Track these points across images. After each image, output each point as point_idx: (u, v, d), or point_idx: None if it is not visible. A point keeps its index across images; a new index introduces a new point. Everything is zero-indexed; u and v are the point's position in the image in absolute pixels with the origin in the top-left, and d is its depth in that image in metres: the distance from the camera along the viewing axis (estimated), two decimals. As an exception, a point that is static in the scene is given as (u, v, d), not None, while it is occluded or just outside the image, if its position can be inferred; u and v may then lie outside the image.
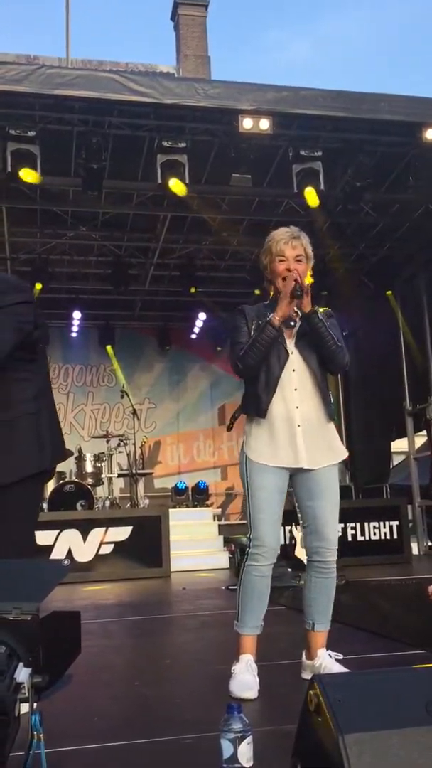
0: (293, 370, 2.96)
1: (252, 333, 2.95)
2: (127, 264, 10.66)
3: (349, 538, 8.91)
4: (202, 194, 8.71)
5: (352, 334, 13.09)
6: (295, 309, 2.99)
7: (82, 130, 7.42)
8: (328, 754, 1.60)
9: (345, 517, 8.92)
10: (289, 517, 3.07)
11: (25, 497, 2.73)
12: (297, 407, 2.93)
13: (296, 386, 2.95)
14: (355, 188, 7.98)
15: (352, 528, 8.98)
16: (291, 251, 2.98)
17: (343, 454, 3.09)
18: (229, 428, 3.32)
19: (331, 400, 3.08)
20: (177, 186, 7.37)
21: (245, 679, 2.79)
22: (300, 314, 3.00)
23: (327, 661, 2.91)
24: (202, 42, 19.28)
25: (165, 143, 7.30)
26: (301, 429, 2.92)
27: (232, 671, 2.85)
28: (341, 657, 2.94)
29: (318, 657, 2.93)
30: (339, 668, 2.86)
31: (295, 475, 2.97)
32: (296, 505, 3.05)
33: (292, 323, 2.98)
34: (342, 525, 8.86)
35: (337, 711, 1.62)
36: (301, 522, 3.03)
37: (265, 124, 7.15)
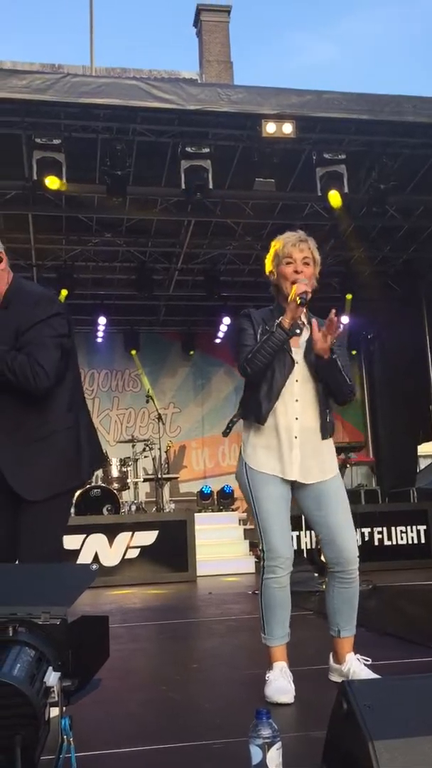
0: (296, 380, 2.92)
1: (258, 337, 2.91)
2: (151, 269, 10.71)
3: (376, 543, 8.84)
4: (226, 199, 8.73)
5: (377, 337, 13.03)
6: (303, 319, 2.95)
7: (106, 138, 7.47)
8: (357, 760, 1.60)
9: (371, 521, 8.87)
10: (300, 522, 3.05)
11: (58, 509, 2.75)
12: (296, 418, 2.91)
13: (297, 397, 2.92)
14: (379, 191, 7.94)
15: (378, 532, 8.91)
16: (299, 254, 2.96)
17: (334, 472, 3.00)
18: (225, 434, 3.19)
19: (329, 416, 3.00)
20: (198, 191, 7.40)
21: (281, 684, 2.79)
22: (306, 324, 2.96)
23: (355, 665, 2.90)
24: (224, 47, 19.33)
25: (188, 149, 7.33)
26: (298, 441, 2.90)
27: (267, 678, 2.85)
28: (369, 661, 2.93)
29: (346, 661, 2.92)
30: (367, 672, 2.85)
31: (297, 487, 2.95)
32: (304, 517, 3.02)
33: (298, 331, 2.91)
34: (368, 529, 8.80)
35: (366, 717, 1.62)
36: (316, 533, 3.01)
37: (288, 128, 7.15)
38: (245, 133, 7.57)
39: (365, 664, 2.91)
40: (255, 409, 2.93)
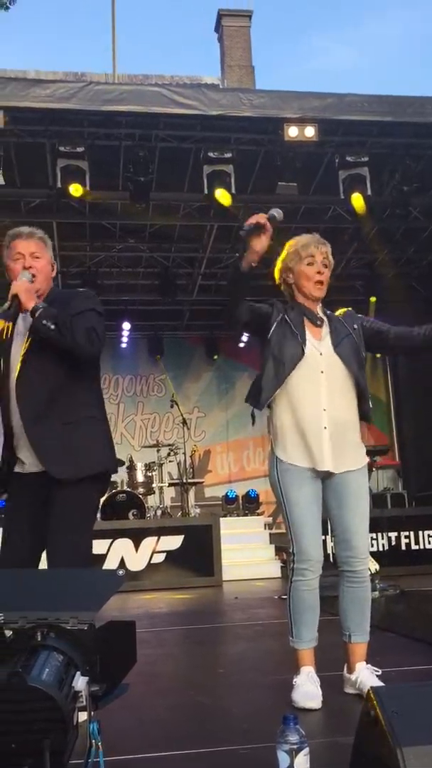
0: (321, 372, 2.91)
1: (272, 322, 2.96)
2: (174, 274, 10.75)
3: (403, 547, 8.76)
4: (249, 203, 8.73)
5: (402, 340, 12.93)
6: (319, 313, 3.01)
7: (129, 144, 7.54)
8: (385, 767, 1.59)
9: (398, 525, 8.80)
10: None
11: (87, 495, 2.80)
12: (324, 409, 2.89)
13: (324, 388, 2.91)
14: (402, 193, 7.91)
15: (405, 537, 8.83)
16: (320, 255, 2.99)
17: (365, 460, 3.01)
18: (253, 423, 3.17)
19: (370, 404, 3.02)
20: (223, 196, 7.42)
21: (308, 689, 2.77)
22: (324, 318, 3.01)
23: (365, 676, 2.83)
24: (246, 52, 19.38)
25: (211, 154, 7.37)
26: (327, 431, 2.88)
27: (294, 683, 2.83)
28: (380, 672, 2.87)
29: (356, 671, 2.87)
30: (377, 683, 2.79)
31: (324, 480, 2.94)
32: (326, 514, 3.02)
33: (318, 322, 2.97)
34: (395, 533, 8.73)
35: (394, 723, 1.61)
36: (330, 530, 3.00)
37: (310, 131, 7.16)
38: (267, 138, 7.59)
39: (375, 674, 2.84)
40: (255, 394, 2.96)
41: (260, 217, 2.81)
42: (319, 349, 2.94)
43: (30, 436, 2.70)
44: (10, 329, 2.80)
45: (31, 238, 2.86)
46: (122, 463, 9.61)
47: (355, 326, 3.02)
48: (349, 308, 3.15)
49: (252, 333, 3.20)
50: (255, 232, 2.79)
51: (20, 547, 2.71)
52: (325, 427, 2.88)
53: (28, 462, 2.76)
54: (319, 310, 3.04)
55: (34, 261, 2.82)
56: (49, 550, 2.67)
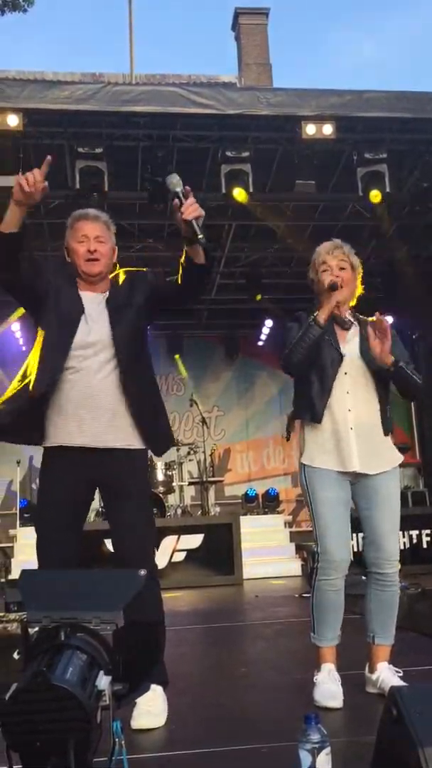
0: (345, 373, 2.94)
1: None
2: (193, 274, 10.75)
3: (425, 546, 8.72)
4: (267, 202, 8.72)
5: (422, 337, 12.86)
6: (348, 316, 3.05)
7: (147, 145, 7.55)
8: (407, 766, 1.59)
9: (420, 523, 8.75)
10: (359, 524, 3.03)
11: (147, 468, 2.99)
12: (349, 410, 2.91)
13: (348, 389, 2.93)
14: (422, 189, 7.86)
15: (427, 535, 8.78)
16: (333, 260, 3.02)
17: (399, 459, 3.02)
18: (288, 438, 3.32)
19: (389, 412, 3.02)
20: (240, 194, 7.43)
21: (330, 688, 2.77)
22: (354, 322, 3.04)
23: (386, 675, 2.83)
24: (263, 50, 19.31)
25: (228, 153, 7.36)
26: (354, 432, 2.90)
27: (315, 681, 2.84)
28: (401, 673, 2.87)
29: (378, 671, 2.87)
30: (398, 683, 2.78)
31: (355, 482, 2.95)
32: (356, 514, 3.02)
33: (346, 326, 3.02)
34: (416, 532, 8.69)
35: (417, 723, 1.61)
36: (363, 531, 3.00)
37: (328, 129, 7.13)
38: (285, 136, 7.57)
39: (397, 675, 2.84)
40: (309, 408, 2.96)
41: (336, 279, 2.94)
42: (343, 351, 2.97)
43: (133, 414, 2.74)
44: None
45: (97, 221, 2.89)
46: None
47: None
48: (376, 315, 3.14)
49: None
50: (336, 287, 2.92)
51: (60, 524, 2.71)
52: (352, 428, 2.90)
53: (82, 436, 2.72)
54: (348, 314, 3.07)
55: (98, 245, 2.85)
56: (130, 523, 2.72)
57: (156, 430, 2.87)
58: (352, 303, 3.13)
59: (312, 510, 2.94)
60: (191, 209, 2.63)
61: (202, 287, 2.92)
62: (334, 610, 2.90)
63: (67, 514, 2.70)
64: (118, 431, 2.73)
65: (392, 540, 2.92)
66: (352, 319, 3.07)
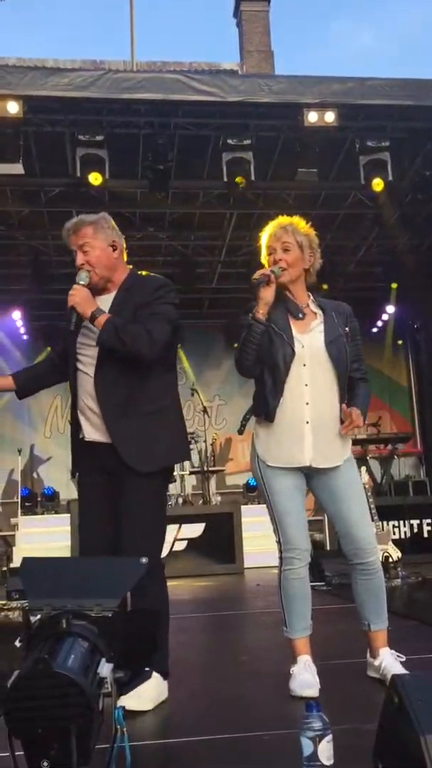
0: (303, 365, 2.86)
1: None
2: (194, 263, 10.73)
3: (425, 535, 8.73)
4: (268, 190, 8.69)
5: (423, 326, 12.85)
6: (310, 303, 2.96)
7: (148, 132, 7.51)
8: (410, 754, 1.59)
9: (421, 512, 8.76)
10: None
11: (162, 487, 2.88)
12: (307, 403, 2.85)
13: (307, 381, 2.86)
14: (424, 177, 7.82)
15: (427, 524, 8.79)
16: (276, 242, 2.96)
17: (347, 455, 2.95)
18: (240, 432, 3.13)
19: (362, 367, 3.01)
20: (241, 183, 7.40)
21: (305, 677, 2.76)
22: (315, 310, 2.95)
23: (388, 660, 2.83)
24: (264, 37, 19.17)
25: (230, 141, 7.33)
26: (309, 426, 2.84)
27: (291, 672, 2.83)
28: (404, 658, 2.87)
29: (380, 656, 2.87)
30: (400, 668, 2.78)
31: (311, 476, 2.92)
32: (324, 508, 3.00)
33: (300, 315, 2.91)
34: (417, 521, 8.70)
35: (418, 711, 1.61)
36: (334, 526, 2.98)
37: (330, 116, 7.09)
38: (287, 123, 7.53)
39: (399, 660, 2.84)
40: (263, 405, 2.91)
41: (265, 271, 2.88)
42: (301, 342, 2.88)
43: (111, 432, 2.73)
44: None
45: (77, 231, 2.84)
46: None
47: (347, 329, 2.96)
48: (344, 304, 3.08)
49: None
50: (262, 283, 2.85)
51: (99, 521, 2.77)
52: (308, 422, 2.85)
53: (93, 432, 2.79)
54: (309, 300, 2.97)
55: (85, 255, 2.81)
56: (125, 544, 2.70)
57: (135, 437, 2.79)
58: (313, 281, 3.03)
59: (269, 499, 2.91)
60: None
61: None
62: (301, 600, 2.89)
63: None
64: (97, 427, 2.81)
65: (364, 527, 2.89)
66: (313, 308, 2.96)
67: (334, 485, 2.90)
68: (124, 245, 2.97)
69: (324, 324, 2.91)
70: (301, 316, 2.91)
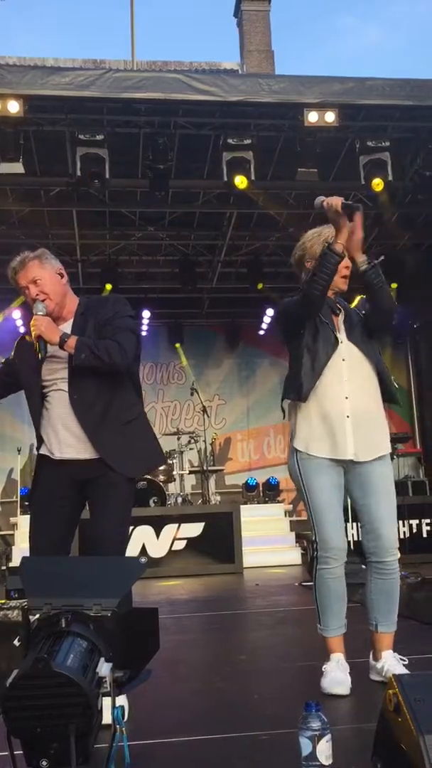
0: (343, 360, 2.90)
1: None
2: (194, 262, 10.72)
3: (424, 535, 8.74)
4: (269, 190, 8.68)
5: (423, 326, 12.85)
6: (338, 305, 3.00)
7: (148, 132, 7.50)
8: (408, 754, 1.59)
9: (419, 512, 8.77)
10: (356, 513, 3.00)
11: (134, 488, 2.94)
12: (346, 398, 2.88)
13: (346, 377, 2.90)
14: (424, 177, 7.81)
15: (427, 524, 8.80)
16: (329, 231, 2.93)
17: (387, 450, 2.98)
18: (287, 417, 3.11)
19: (394, 384, 3.02)
20: (242, 182, 7.39)
21: (337, 675, 2.77)
22: (341, 308, 3.00)
23: (391, 663, 2.83)
24: (265, 36, 19.19)
25: (230, 140, 7.31)
26: (350, 420, 2.87)
27: (323, 670, 2.84)
28: (407, 661, 2.87)
29: (382, 659, 2.87)
30: (403, 671, 2.79)
31: (348, 470, 2.92)
32: (351, 503, 3.01)
33: (337, 311, 2.97)
34: (416, 521, 8.71)
35: (417, 711, 1.61)
36: (359, 521, 2.98)
37: (330, 116, 7.08)
38: (287, 123, 7.52)
39: (402, 663, 2.84)
40: (296, 387, 2.92)
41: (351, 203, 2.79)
42: (340, 338, 2.94)
43: (96, 445, 2.77)
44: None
45: (23, 267, 2.87)
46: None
47: (363, 312, 3.03)
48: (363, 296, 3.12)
49: (298, 326, 3.01)
50: (355, 210, 2.77)
51: (53, 532, 2.80)
52: (348, 416, 2.87)
53: (68, 449, 2.82)
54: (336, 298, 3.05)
55: (37, 287, 2.84)
56: (96, 540, 2.75)
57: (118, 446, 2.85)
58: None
59: (307, 498, 2.91)
60: None
61: None
62: (337, 599, 2.89)
63: None
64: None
65: (390, 526, 2.90)
66: (341, 307, 3.03)
67: (367, 480, 2.90)
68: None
69: (345, 319, 2.99)
70: (337, 311, 2.99)
